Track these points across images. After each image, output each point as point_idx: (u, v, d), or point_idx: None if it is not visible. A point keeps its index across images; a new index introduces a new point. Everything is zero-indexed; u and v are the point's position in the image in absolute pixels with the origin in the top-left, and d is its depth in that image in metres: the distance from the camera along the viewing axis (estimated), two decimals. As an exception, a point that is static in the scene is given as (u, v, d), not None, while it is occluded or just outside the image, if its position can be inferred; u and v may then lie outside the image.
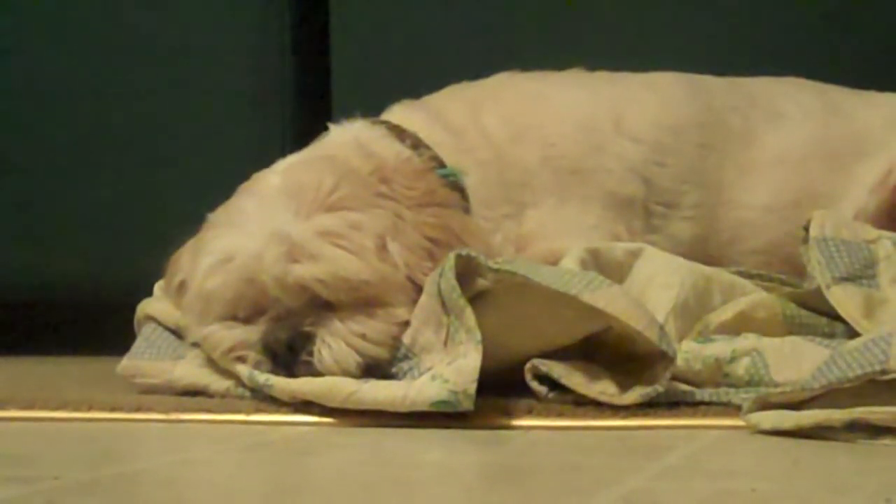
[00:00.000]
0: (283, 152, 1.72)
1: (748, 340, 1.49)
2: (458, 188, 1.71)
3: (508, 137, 1.80)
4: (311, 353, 1.49)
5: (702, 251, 1.79)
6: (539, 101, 1.85)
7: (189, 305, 1.58)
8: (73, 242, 2.31)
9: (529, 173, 1.78)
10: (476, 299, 1.46)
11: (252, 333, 1.52)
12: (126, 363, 1.63)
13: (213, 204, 1.64)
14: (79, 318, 2.43)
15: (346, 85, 2.21)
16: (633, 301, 1.43)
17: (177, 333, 1.64)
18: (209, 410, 1.49)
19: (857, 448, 1.23)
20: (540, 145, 1.80)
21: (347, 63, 2.23)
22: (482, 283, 1.48)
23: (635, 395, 1.41)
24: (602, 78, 1.91)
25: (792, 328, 1.56)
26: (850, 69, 2.03)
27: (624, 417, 1.40)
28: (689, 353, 1.49)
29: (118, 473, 1.20)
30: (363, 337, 1.49)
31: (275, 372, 1.50)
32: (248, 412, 1.48)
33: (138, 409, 1.50)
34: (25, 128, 2.32)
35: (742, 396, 1.41)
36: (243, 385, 1.53)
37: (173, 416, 1.49)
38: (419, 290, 1.52)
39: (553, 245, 1.71)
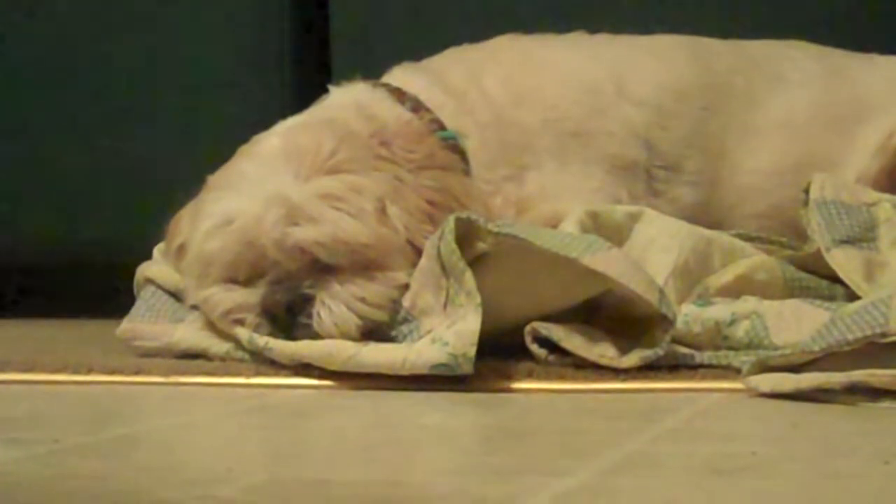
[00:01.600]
0: (283, 115, 1.72)
1: (748, 303, 1.49)
2: (459, 151, 1.70)
3: (509, 100, 1.79)
4: (310, 316, 1.49)
5: (704, 215, 1.79)
6: (540, 63, 1.85)
7: (188, 268, 1.58)
8: (73, 206, 2.31)
9: (530, 136, 1.78)
10: (476, 262, 1.46)
11: (251, 296, 1.52)
12: (125, 326, 1.63)
13: (213, 166, 1.64)
14: (78, 280, 2.43)
15: (346, 47, 2.21)
16: (632, 264, 1.43)
17: (176, 296, 1.64)
18: (209, 373, 1.49)
19: (857, 411, 1.23)
20: (541, 108, 1.80)
21: (347, 24, 2.23)
22: (482, 246, 1.48)
23: (635, 357, 1.41)
24: (604, 41, 1.91)
25: (792, 291, 1.56)
26: (852, 33, 2.02)
27: (624, 380, 1.40)
28: (688, 315, 1.49)
29: (118, 436, 1.20)
30: (363, 300, 1.49)
31: (274, 335, 1.50)
32: (247, 375, 1.48)
33: (138, 372, 1.50)
34: (25, 91, 2.32)
35: (742, 359, 1.41)
36: (243, 348, 1.53)
37: (173, 378, 1.49)
38: (419, 253, 1.52)
39: (554, 207, 1.71)
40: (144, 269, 1.69)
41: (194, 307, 1.59)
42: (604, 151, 1.79)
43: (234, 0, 2.26)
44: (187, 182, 1.64)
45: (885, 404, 1.23)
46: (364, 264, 1.51)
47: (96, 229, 2.31)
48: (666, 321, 1.41)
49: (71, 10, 2.30)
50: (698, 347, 1.48)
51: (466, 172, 1.69)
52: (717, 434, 1.18)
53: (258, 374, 1.48)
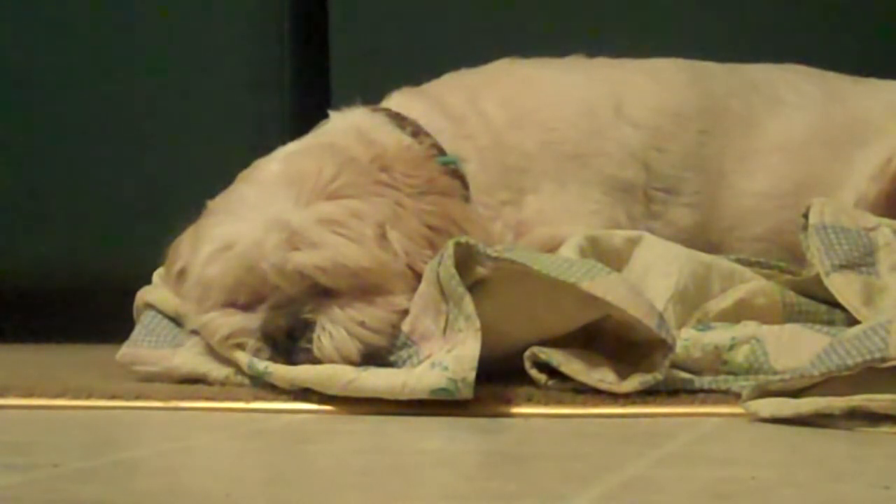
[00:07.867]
0: (283, 140, 1.72)
1: (747, 328, 1.49)
2: (459, 176, 1.71)
3: (508, 123, 1.80)
4: (310, 341, 1.49)
5: (702, 238, 1.79)
6: (539, 86, 1.85)
7: (188, 293, 1.58)
8: (73, 230, 2.31)
9: (529, 158, 1.78)
10: (475, 287, 1.46)
11: (252, 321, 1.52)
12: (125, 351, 1.64)
13: (213, 191, 1.64)
14: (78, 305, 2.43)
15: (346, 72, 2.21)
16: (632, 289, 1.43)
17: (176, 321, 1.64)
18: (209, 398, 1.49)
19: (856, 436, 1.23)
20: (540, 130, 1.80)
21: (346, 50, 2.23)
22: (481, 271, 1.48)
23: (634, 382, 1.41)
24: (602, 64, 1.91)
25: (791, 315, 1.56)
26: (850, 57, 2.03)
27: (623, 405, 1.40)
28: (688, 340, 1.49)
29: (117, 461, 1.20)
30: (363, 325, 1.49)
31: (274, 359, 1.50)
32: (247, 400, 1.48)
33: (138, 397, 1.50)
34: (25, 115, 2.32)
35: (741, 384, 1.41)
36: (242, 373, 1.53)
37: (172, 403, 1.49)
38: (419, 278, 1.52)
39: (553, 230, 1.71)
40: (144, 294, 1.70)
41: (194, 332, 1.59)
42: (602, 173, 1.79)
43: (234, 25, 2.27)
44: (187, 207, 1.64)
45: (885, 429, 1.23)
46: (364, 289, 1.51)
47: (96, 254, 2.31)
48: (665, 346, 1.41)
49: (71, 38, 2.30)
50: (698, 372, 1.48)
51: (466, 198, 1.69)
52: (717, 459, 1.18)
53: (258, 398, 1.48)
